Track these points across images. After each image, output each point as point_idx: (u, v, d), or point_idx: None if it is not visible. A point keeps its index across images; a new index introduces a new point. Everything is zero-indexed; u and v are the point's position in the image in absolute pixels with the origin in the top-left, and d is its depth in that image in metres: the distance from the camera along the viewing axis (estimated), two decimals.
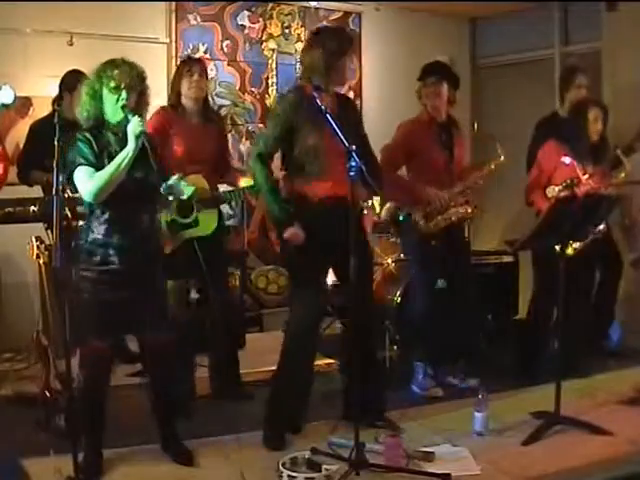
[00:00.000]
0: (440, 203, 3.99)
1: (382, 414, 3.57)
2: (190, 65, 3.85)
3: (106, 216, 2.96)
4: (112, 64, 2.96)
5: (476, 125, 4.02)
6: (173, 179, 2.95)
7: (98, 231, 2.96)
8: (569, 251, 3.97)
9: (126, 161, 2.88)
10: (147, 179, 2.98)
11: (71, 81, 4.28)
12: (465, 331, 4.17)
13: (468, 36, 6.76)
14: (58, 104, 4.19)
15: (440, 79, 4.05)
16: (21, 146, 4.43)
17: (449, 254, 4.09)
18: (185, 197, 3.05)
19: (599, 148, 4.17)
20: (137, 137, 2.88)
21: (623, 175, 4.13)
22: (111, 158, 2.91)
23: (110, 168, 2.88)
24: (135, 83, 2.96)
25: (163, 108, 3.80)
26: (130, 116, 2.91)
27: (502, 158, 4.06)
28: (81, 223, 3.04)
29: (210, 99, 5.53)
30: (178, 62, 5.40)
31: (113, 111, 2.95)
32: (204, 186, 3.74)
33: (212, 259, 3.79)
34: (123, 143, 2.92)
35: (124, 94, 2.92)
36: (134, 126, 2.88)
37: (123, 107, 2.92)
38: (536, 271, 4.36)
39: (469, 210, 4.08)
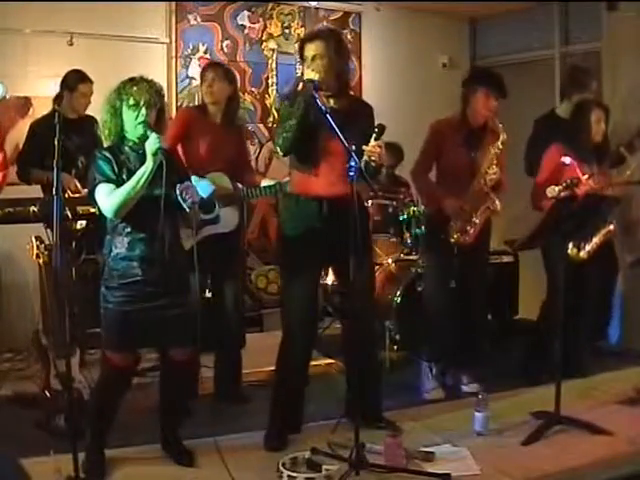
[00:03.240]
0: (458, 214, 3.94)
1: (380, 415, 3.57)
2: (205, 71, 3.95)
3: (128, 230, 2.96)
4: (131, 82, 2.97)
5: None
6: (186, 183, 2.97)
7: (122, 245, 2.96)
8: (582, 254, 3.96)
9: (144, 178, 2.89)
10: (167, 193, 2.96)
11: (72, 80, 4.30)
12: (473, 333, 4.15)
13: (468, 36, 6.76)
14: (58, 104, 4.20)
15: (499, 93, 4.02)
16: (21, 146, 4.44)
17: (464, 253, 4.03)
18: (204, 196, 3.05)
19: (602, 149, 4.16)
20: (154, 154, 2.89)
21: (629, 173, 4.12)
22: (131, 174, 2.92)
23: (128, 185, 2.89)
24: (154, 100, 2.97)
25: (187, 108, 3.85)
26: (149, 133, 2.92)
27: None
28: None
29: None
30: (178, 62, 5.43)
31: (133, 128, 2.96)
32: (226, 184, 3.81)
33: (229, 257, 3.84)
34: (143, 159, 2.93)
35: (143, 111, 2.93)
36: (152, 143, 2.89)
37: (142, 123, 2.93)
38: (549, 275, 4.27)
39: (491, 208, 3.98)
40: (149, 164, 2.89)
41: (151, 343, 3.19)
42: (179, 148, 3.83)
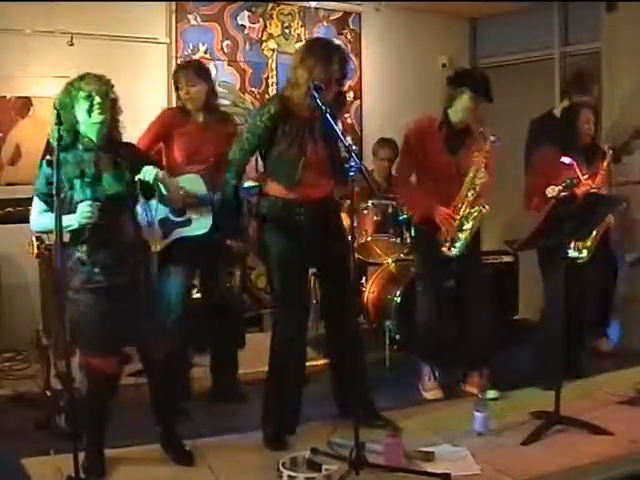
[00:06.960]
0: (449, 223, 3.85)
1: (375, 411, 3.57)
2: (177, 75, 3.90)
3: (87, 235, 2.94)
4: (79, 79, 2.97)
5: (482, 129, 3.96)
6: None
7: (82, 250, 2.96)
8: (583, 255, 3.95)
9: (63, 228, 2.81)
10: (123, 193, 2.99)
11: None
12: (479, 336, 4.05)
13: (468, 36, 6.75)
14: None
15: (486, 97, 3.85)
16: (21, 147, 4.43)
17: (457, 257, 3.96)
18: (146, 179, 2.96)
19: (591, 150, 4.15)
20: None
21: (606, 163, 4.07)
22: (84, 177, 2.91)
23: (52, 222, 2.77)
24: (107, 91, 2.96)
25: (169, 109, 3.82)
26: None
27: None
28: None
29: None
30: (178, 62, 5.41)
31: (89, 125, 2.95)
32: (199, 186, 3.74)
33: (209, 259, 3.83)
34: (96, 157, 2.95)
35: (97, 99, 2.91)
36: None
37: (101, 124, 2.94)
38: (544, 275, 4.24)
39: (482, 211, 3.84)
40: (78, 220, 2.86)
41: (126, 341, 3.16)
42: (163, 149, 3.85)
